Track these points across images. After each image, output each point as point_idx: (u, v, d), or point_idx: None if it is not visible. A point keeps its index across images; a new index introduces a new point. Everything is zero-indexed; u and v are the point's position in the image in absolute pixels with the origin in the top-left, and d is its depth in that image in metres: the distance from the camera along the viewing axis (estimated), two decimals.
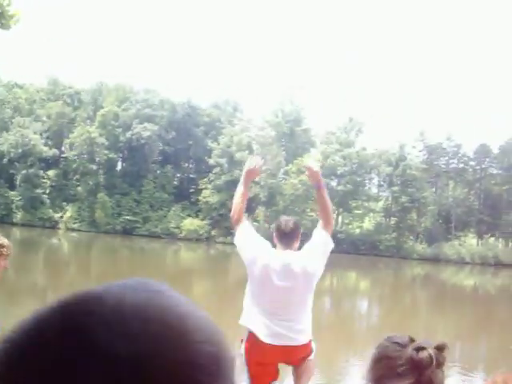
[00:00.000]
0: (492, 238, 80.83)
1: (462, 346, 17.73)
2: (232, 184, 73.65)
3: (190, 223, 72.23)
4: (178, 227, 72.31)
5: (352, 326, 20.18)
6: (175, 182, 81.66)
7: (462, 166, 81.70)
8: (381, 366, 1.69)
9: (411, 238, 76.11)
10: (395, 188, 76.37)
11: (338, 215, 78.84)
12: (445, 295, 36.43)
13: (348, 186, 76.32)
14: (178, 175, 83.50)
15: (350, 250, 71.09)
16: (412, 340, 1.71)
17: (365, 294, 33.93)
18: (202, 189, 76.37)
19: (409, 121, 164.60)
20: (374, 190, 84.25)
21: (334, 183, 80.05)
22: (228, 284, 30.19)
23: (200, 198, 75.64)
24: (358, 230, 76.43)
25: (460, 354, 15.41)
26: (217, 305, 21.42)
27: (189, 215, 74.36)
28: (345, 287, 37.67)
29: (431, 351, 1.65)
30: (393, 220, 77.95)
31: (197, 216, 74.54)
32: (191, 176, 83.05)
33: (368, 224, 78.66)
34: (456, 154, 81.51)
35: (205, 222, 73.16)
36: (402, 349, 1.67)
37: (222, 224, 72.62)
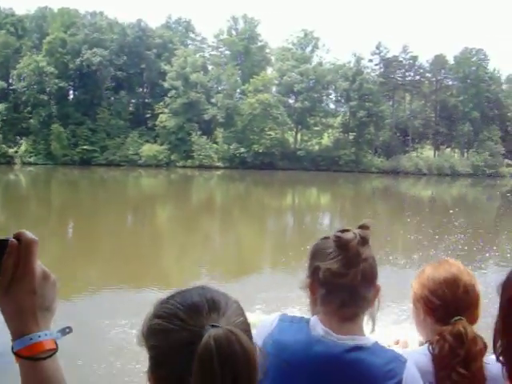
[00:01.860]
0: (448, 149, 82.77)
1: (422, 251, 18.50)
2: (189, 106, 72.89)
3: (149, 149, 71.57)
4: (136, 154, 71.62)
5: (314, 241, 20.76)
6: (130, 108, 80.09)
7: (418, 78, 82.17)
8: (315, 258, 1.82)
9: (369, 152, 77.15)
10: (353, 103, 76.62)
11: (296, 133, 79.13)
12: (403, 206, 37.51)
13: (305, 102, 76.23)
14: (133, 101, 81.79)
15: (310, 166, 71.94)
16: (362, 225, 1.84)
17: (326, 209, 34.67)
18: (158, 113, 75.24)
19: (365, 33, 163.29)
20: (332, 106, 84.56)
21: (291, 100, 79.84)
22: (192, 207, 30.43)
23: (157, 122, 74.63)
24: (317, 147, 77.03)
25: (419, 258, 16.12)
26: (183, 228, 21.69)
27: (147, 141, 73.52)
28: (306, 203, 38.35)
29: (355, 230, 1.79)
30: (351, 135, 78.66)
31: (155, 141, 73.77)
32: (146, 101, 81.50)
33: (327, 140, 79.26)
34: (412, 66, 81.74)
35: (163, 146, 72.56)
36: (337, 233, 1.80)
37: (181, 148, 72.29)
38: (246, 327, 1.15)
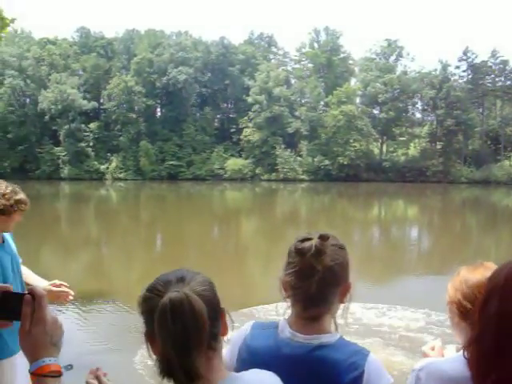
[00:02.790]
0: None
1: None
2: (273, 120, 73.46)
3: (234, 163, 72.63)
4: (222, 168, 72.89)
5: (403, 254, 20.26)
6: (215, 124, 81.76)
7: (509, 83, 78.92)
8: (286, 259, 1.94)
9: (458, 161, 74.79)
10: (440, 111, 74.63)
11: (381, 144, 77.94)
12: (496, 217, 36.01)
13: (390, 113, 75.03)
14: (218, 116, 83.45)
15: (396, 178, 70.55)
16: (320, 236, 1.90)
17: (414, 222, 33.81)
18: (242, 128, 76.33)
19: (451, 39, 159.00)
20: (418, 115, 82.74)
21: (376, 111, 78.82)
22: (276, 220, 30.50)
23: (241, 137, 75.73)
24: (403, 158, 75.49)
25: None
26: (267, 241, 21.76)
27: (232, 155, 74.70)
28: (393, 216, 37.55)
29: (313, 241, 1.87)
30: (439, 145, 76.57)
31: (240, 155, 74.84)
32: (231, 116, 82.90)
33: (413, 150, 77.54)
34: (502, 70, 78.65)
35: (248, 160, 73.43)
36: (296, 243, 1.91)
37: (266, 161, 72.85)
38: (208, 294, 1.49)
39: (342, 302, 1.95)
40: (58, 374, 1.49)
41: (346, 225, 28.97)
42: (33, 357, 1.49)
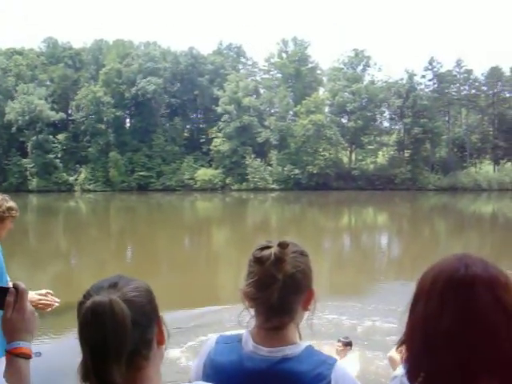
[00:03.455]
0: (509, 163, 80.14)
1: None
2: (242, 130, 73.55)
3: (204, 173, 72.49)
4: (192, 178, 72.68)
5: (373, 261, 20.41)
6: (185, 134, 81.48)
7: (473, 92, 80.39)
8: (247, 269, 1.92)
9: (426, 169, 75.74)
10: (407, 120, 75.60)
11: (350, 152, 78.59)
12: (463, 223, 36.58)
13: (359, 122, 75.72)
14: (188, 126, 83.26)
15: (366, 185, 71.17)
16: (280, 243, 1.87)
17: (383, 229, 34.13)
18: (212, 138, 76.26)
19: (416, 49, 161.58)
20: (386, 124, 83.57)
21: (344, 120, 79.46)
22: (247, 229, 30.49)
23: (211, 147, 75.62)
24: (371, 166, 76.20)
25: None
26: (238, 250, 21.70)
27: (202, 165, 74.55)
28: (363, 223, 37.86)
29: (273, 249, 1.83)
30: (406, 153, 77.48)
31: (210, 165, 74.73)
32: (200, 126, 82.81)
33: (382, 158, 78.34)
34: (467, 80, 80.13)
35: (218, 170, 73.36)
36: (255, 251, 1.89)
37: (236, 171, 72.84)
38: (139, 301, 1.49)
39: (306, 309, 1.91)
40: (28, 357, 1.77)
41: (316, 234, 29.10)
42: (10, 339, 1.77)
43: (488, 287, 1.40)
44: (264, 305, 1.83)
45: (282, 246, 1.85)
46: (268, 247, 1.85)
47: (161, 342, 1.57)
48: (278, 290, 1.80)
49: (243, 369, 1.78)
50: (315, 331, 1.94)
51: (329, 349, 8.30)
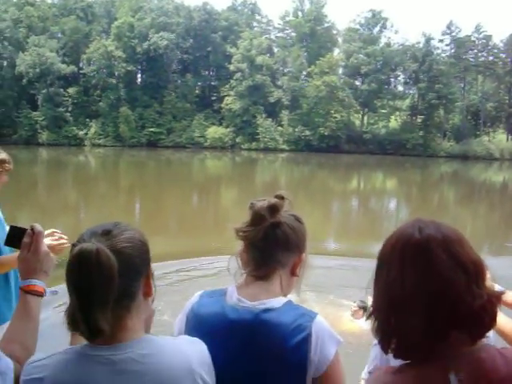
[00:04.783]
0: None
1: (491, 241, 17.96)
2: (254, 89, 72.99)
3: (214, 131, 72.33)
4: (202, 136, 72.56)
5: (380, 226, 20.45)
6: (196, 91, 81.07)
7: (491, 58, 79.07)
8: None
9: (438, 135, 75.24)
10: (421, 85, 74.74)
11: (363, 115, 78.04)
12: (473, 192, 36.46)
13: (373, 84, 74.92)
14: (199, 83, 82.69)
15: (376, 150, 70.85)
16: (277, 195, 1.98)
17: (392, 194, 34.09)
18: (224, 96, 75.83)
19: (435, 12, 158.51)
20: (400, 88, 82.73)
21: (358, 82, 78.66)
22: (256, 190, 30.54)
23: (222, 105, 75.27)
24: (383, 130, 75.74)
25: (488, 249, 15.66)
26: (245, 211, 21.75)
27: (212, 123, 74.33)
28: (372, 188, 37.82)
29: (268, 200, 1.95)
30: (419, 118, 76.86)
31: (220, 124, 74.49)
32: (212, 84, 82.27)
33: (394, 123, 77.80)
34: (485, 46, 78.75)
35: (229, 129, 73.14)
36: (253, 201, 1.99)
37: (246, 130, 72.62)
38: (129, 252, 1.50)
39: (294, 274, 1.95)
40: (40, 294, 1.84)
41: (324, 196, 29.14)
42: (24, 276, 1.86)
43: (442, 246, 1.46)
44: (251, 245, 1.91)
45: (278, 197, 1.95)
46: (264, 199, 1.96)
47: (148, 293, 1.60)
48: (265, 231, 1.89)
49: (226, 320, 1.82)
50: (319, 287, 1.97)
51: (333, 311, 8.46)
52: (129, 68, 75.15)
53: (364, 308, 8.15)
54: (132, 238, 1.54)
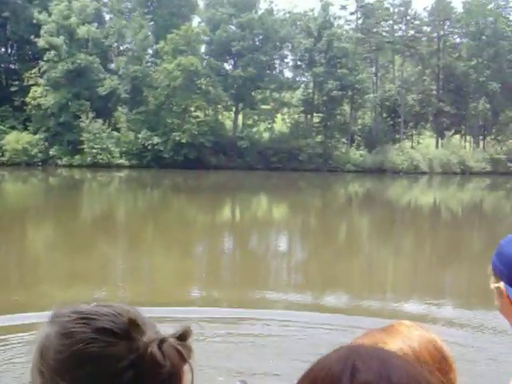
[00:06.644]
0: (456, 136, 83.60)
1: (421, 285, 18.55)
2: (76, 75, 71.83)
3: (16, 139, 70.38)
4: None
5: (266, 274, 20.52)
6: None
7: (412, 33, 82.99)
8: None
9: (344, 141, 77.53)
10: (318, 70, 76.70)
11: (236, 114, 79.00)
12: (394, 220, 37.71)
13: (249, 69, 76.09)
14: None
15: (257, 164, 71.89)
16: (132, 322, 1.46)
17: (281, 227, 34.51)
18: (29, 86, 74.13)
19: None
20: (289, 75, 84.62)
21: (228, 66, 79.74)
22: (80, 229, 29.81)
23: (28, 99, 73.49)
24: (266, 135, 77.04)
25: (417, 299, 16.12)
26: (68, 262, 21.17)
27: (13, 127, 72.40)
28: (252, 218, 38.14)
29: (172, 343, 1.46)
30: (317, 117, 78.86)
31: (25, 128, 72.72)
32: (12, 67, 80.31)
33: (281, 125, 79.31)
34: (403, 15, 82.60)
35: (38, 136, 71.51)
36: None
37: (65, 137, 71.25)
38: None
39: None
40: None
41: (184, 234, 28.96)
42: None
43: None
44: None
45: (184, 337, 1.47)
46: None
47: None
48: None
49: None
50: None
51: None
52: None
53: None
54: None
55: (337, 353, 1.26)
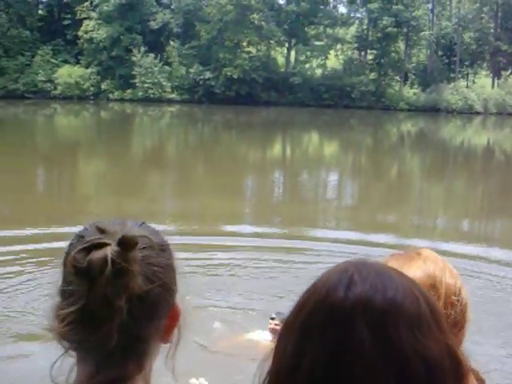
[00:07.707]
0: None
1: (472, 228, 18.45)
2: (128, 9, 71.82)
3: (68, 73, 70.82)
4: (49, 80, 70.92)
5: (314, 214, 20.55)
6: (40, 11, 79.17)
7: None
8: (61, 281, 1.55)
9: (398, 79, 76.86)
10: (373, 5, 75.82)
11: (289, 50, 78.54)
12: (447, 160, 37.44)
13: (303, 4, 75.41)
14: (44, 0, 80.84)
15: (309, 100, 71.59)
16: (121, 241, 1.47)
17: (332, 165, 34.46)
18: (81, 19, 74.30)
19: None
20: (343, 10, 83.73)
21: (281, 0, 79.02)
22: (129, 162, 30.09)
23: (80, 33, 73.73)
24: (319, 71, 76.60)
25: (467, 241, 16.03)
26: (118, 196, 21.40)
27: (65, 61, 72.85)
28: (303, 155, 38.10)
29: (108, 249, 1.45)
30: (370, 54, 78.21)
31: (77, 62, 73.14)
32: (64, 0, 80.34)
33: (334, 61, 78.78)
34: None
35: (90, 70, 71.92)
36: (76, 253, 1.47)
37: (117, 71, 71.54)
38: None
39: (165, 341, 1.66)
40: None
41: (233, 169, 29.05)
42: None
43: (372, 320, 1.21)
44: (95, 352, 1.55)
45: (125, 244, 1.48)
46: (99, 245, 1.48)
47: None
48: (120, 327, 1.49)
49: None
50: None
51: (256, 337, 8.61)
52: None
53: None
54: None
55: (339, 265, 1.29)
